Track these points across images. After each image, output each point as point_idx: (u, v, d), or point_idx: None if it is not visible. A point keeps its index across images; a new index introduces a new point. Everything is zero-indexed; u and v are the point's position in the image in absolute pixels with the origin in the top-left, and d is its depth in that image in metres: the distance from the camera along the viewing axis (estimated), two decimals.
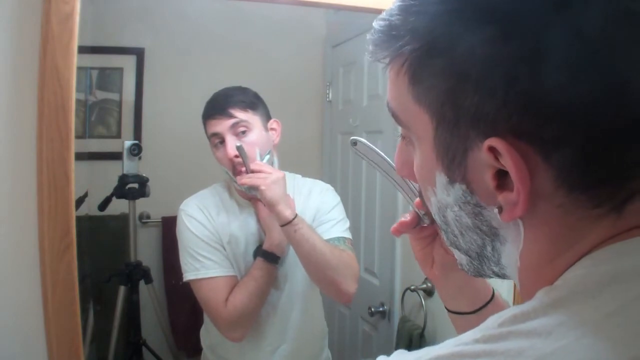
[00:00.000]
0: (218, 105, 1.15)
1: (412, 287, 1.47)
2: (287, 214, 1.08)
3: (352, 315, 1.85)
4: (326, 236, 1.19)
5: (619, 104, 0.31)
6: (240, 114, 1.14)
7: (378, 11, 0.41)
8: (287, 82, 1.88)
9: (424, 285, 1.46)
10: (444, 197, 0.39)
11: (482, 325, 0.34)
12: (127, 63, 1.87)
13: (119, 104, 1.88)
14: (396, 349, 1.62)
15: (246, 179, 1.09)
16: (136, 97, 1.89)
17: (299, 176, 1.31)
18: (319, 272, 1.12)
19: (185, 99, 1.78)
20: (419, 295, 1.45)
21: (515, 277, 0.39)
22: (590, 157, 0.32)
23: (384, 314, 1.66)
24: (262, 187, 1.07)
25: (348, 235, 1.24)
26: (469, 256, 0.42)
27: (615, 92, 0.31)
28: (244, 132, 1.14)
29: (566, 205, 0.34)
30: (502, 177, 0.34)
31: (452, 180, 0.38)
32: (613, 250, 0.33)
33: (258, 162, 1.12)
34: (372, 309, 1.65)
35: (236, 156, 1.11)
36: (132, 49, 1.86)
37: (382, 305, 1.67)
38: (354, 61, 1.85)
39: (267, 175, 1.09)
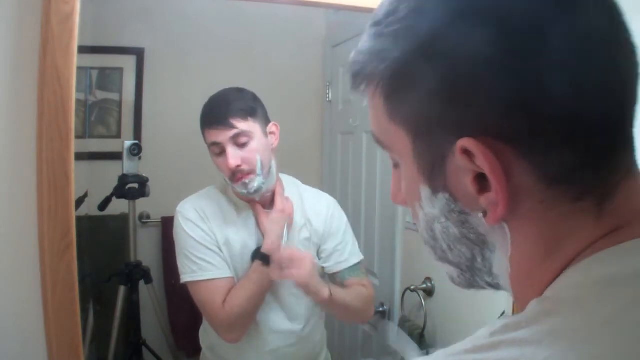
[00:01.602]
0: (218, 115, 1.12)
1: (412, 287, 1.47)
2: (324, 293, 1.12)
3: None
4: (344, 266, 1.25)
5: (583, 98, 0.32)
6: (241, 124, 1.11)
7: None
8: (287, 82, 1.88)
9: (424, 285, 1.46)
10: (430, 209, 0.40)
11: (473, 336, 0.34)
12: (127, 63, 1.87)
13: (119, 104, 1.88)
14: None
15: (280, 274, 1.10)
16: (136, 97, 1.89)
17: (301, 183, 1.31)
18: (349, 318, 1.22)
19: (185, 99, 1.78)
20: (419, 295, 1.45)
21: (508, 285, 0.39)
22: (562, 148, 0.33)
23: (384, 314, 1.66)
24: (299, 279, 1.09)
25: (361, 256, 1.30)
26: (460, 269, 0.42)
27: (580, 89, 0.32)
28: (244, 143, 1.12)
29: (548, 201, 0.34)
30: (481, 181, 0.35)
31: (435, 191, 0.38)
32: (602, 258, 0.33)
33: (287, 250, 1.12)
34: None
35: (237, 166, 1.11)
36: (132, 49, 1.86)
37: (382, 305, 1.67)
38: None
39: (298, 262, 1.10)
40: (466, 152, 0.34)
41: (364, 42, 0.40)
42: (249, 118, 1.13)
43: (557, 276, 0.35)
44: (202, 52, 1.86)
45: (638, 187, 0.36)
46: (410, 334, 1.44)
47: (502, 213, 0.35)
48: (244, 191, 1.14)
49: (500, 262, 0.38)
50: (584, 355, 0.29)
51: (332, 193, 1.63)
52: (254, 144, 1.13)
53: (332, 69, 2.03)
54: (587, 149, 0.33)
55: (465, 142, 0.33)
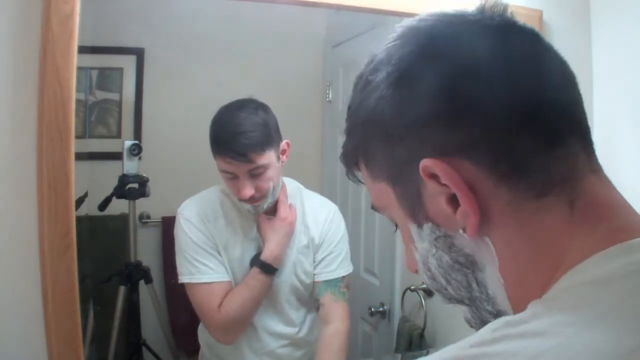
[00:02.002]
0: (235, 147, 1.07)
1: (412, 287, 1.47)
2: None
3: (352, 316, 1.85)
4: (327, 277, 1.22)
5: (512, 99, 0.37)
6: (258, 159, 1.08)
7: (378, 11, 0.44)
8: (287, 82, 1.87)
9: (424, 285, 1.46)
10: (421, 244, 0.43)
11: (477, 333, 0.35)
12: (127, 63, 1.87)
13: (119, 104, 1.88)
14: (396, 349, 1.63)
15: None
16: (136, 97, 1.88)
17: (304, 189, 1.30)
18: None
19: (185, 99, 1.78)
20: (419, 295, 1.45)
21: (507, 304, 0.40)
22: (506, 146, 0.37)
23: (384, 314, 1.66)
24: None
25: (350, 268, 1.26)
26: (466, 304, 0.44)
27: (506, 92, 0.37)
28: (260, 173, 1.10)
29: (513, 202, 0.37)
30: (454, 201, 0.38)
31: (420, 224, 0.42)
32: (596, 259, 0.34)
33: None
34: (372, 309, 1.65)
35: (251, 196, 1.09)
36: (132, 49, 1.86)
37: (382, 305, 1.67)
38: (354, 61, 1.85)
39: None
40: (432, 176, 0.38)
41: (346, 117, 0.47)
42: (266, 149, 1.10)
43: (552, 279, 0.36)
44: (202, 52, 1.86)
45: (603, 181, 0.39)
46: (410, 334, 1.44)
47: (475, 221, 0.37)
48: (252, 211, 1.15)
49: (492, 278, 0.40)
50: (590, 341, 0.30)
51: (332, 193, 1.63)
52: (269, 173, 1.11)
53: (332, 69, 2.03)
54: (530, 143, 0.37)
55: (425, 162, 0.38)
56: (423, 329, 1.41)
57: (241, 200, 1.13)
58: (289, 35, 1.83)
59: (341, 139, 1.66)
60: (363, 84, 0.43)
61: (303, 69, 2.02)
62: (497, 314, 0.42)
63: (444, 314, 1.40)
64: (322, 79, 2.07)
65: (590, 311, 0.31)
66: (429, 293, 1.45)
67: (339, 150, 1.71)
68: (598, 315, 0.31)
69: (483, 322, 0.44)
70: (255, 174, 1.10)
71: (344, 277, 1.24)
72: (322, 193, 1.36)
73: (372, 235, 1.75)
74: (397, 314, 1.61)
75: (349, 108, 0.45)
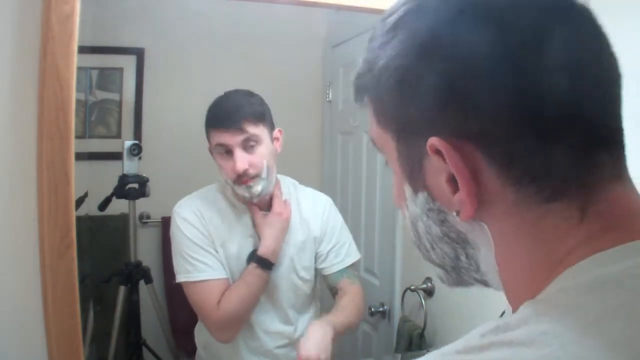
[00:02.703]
0: (229, 117, 1.11)
1: (412, 287, 1.47)
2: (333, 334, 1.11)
3: None
4: (339, 267, 1.25)
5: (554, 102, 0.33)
6: (251, 129, 1.11)
7: (378, 11, 0.43)
8: (287, 82, 1.87)
9: (424, 285, 1.46)
10: (413, 208, 0.42)
11: (465, 337, 0.34)
12: (127, 63, 1.87)
13: (119, 104, 1.88)
14: (396, 349, 1.62)
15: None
16: (136, 97, 1.88)
17: (298, 184, 1.31)
18: (353, 332, 1.20)
19: (185, 98, 1.78)
20: (419, 295, 1.45)
21: (498, 283, 0.40)
22: (526, 148, 0.34)
23: (384, 314, 1.66)
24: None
25: (358, 254, 1.30)
26: (445, 269, 0.43)
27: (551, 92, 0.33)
28: (253, 146, 1.12)
29: (520, 202, 0.35)
30: (455, 181, 0.36)
31: (415, 190, 0.40)
32: (594, 260, 0.33)
33: (307, 350, 1.05)
34: (372, 309, 1.65)
35: (245, 170, 1.10)
36: (132, 49, 1.86)
37: (382, 305, 1.67)
38: (354, 61, 1.85)
39: (316, 344, 1.06)
40: (438, 152, 0.36)
41: (366, 52, 0.42)
42: (259, 123, 1.13)
43: (548, 278, 0.35)
44: (202, 52, 1.86)
45: (627, 192, 0.36)
46: (410, 334, 1.44)
47: (469, 212, 0.36)
48: (247, 194, 1.14)
49: (487, 260, 0.39)
50: (578, 355, 0.29)
51: (332, 193, 1.63)
52: (262, 149, 1.13)
53: (332, 69, 2.03)
54: (550, 148, 0.34)
55: (434, 141, 0.35)
56: (423, 329, 1.41)
57: (236, 181, 1.13)
58: (289, 35, 1.83)
59: (341, 138, 1.67)
60: (392, 26, 0.39)
61: (303, 69, 2.02)
62: (484, 284, 0.42)
63: (444, 314, 1.40)
64: (322, 79, 2.08)
65: (580, 321, 0.30)
66: (429, 293, 1.46)
67: (339, 150, 1.73)
68: (587, 325, 0.30)
69: (458, 284, 0.44)
70: (249, 146, 1.12)
71: (354, 263, 1.28)
72: (322, 192, 1.36)
73: (372, 235, 1.76)
74: (397, 314, 1.61)
75: (382, 27, 0.40)
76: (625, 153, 0.37)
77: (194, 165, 1.49)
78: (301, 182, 1.33)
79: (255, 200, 1.17)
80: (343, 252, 1.28)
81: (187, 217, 1.17)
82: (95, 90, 1.85)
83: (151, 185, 1.58)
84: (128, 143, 1.55)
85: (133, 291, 1.58)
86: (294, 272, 1.23)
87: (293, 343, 1.24)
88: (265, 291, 1.18)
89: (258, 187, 1.13)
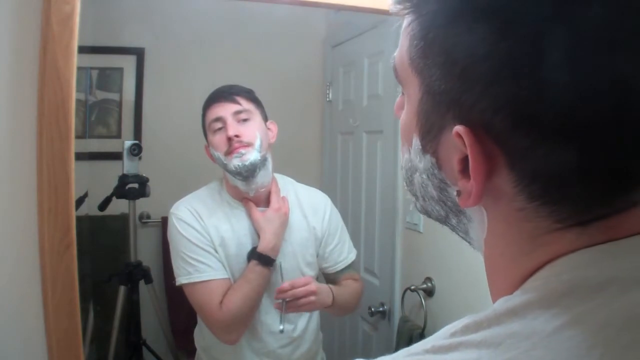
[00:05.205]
0: (223, 92, 1.18)
1: (412, 287, 1.47)
2: (329, 302, 1.18)
3: (352, 315, 1.85)
4: (343, 265, 1.29)
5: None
6: (244, 103, 1.17)
7: (378, 11, 0.42)
8: (287, 82, 1.88)
9: (424, 285, 1.46)
10: (415, 160, 0.40)
11: (435, 335, 0.34)
12: (127, 63, 1.87)
13: (119, 104, 1.88)
14: (396, 349, 1.63)
15: (296, 309, 1.15)
16: (136, 97, 1.89)
17: (295, 182, 1.32)
18: (343, 314, 1.29)
19: (185, 98, 1.78)
20: (419, 295, 1.45)
21: (480, 250, 0.39)
22: (549, 171, 0.31)
23: (384, 314, 1.66)
24: (315, 307, 1.13)
25: (355, 250, 1.35)
26: (431, 218, 0.42)
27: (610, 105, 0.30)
28: (245, 119, 1.16)
29: (528, 212, 0.33)
30: (466, 165, 0.34)
31: (424, 150, 0.38)
32: (573, 261, 0.32)
33: (286, 282, 1.14)
34: (372, 309, 1.65)
35: (236, 135, 1.13)
36: (132, 49, 1.86)
37: (382, 305, 1.67)
38: (354, 61, 1.85)
39: (307, 290, 1.14)
40: (460, 138, 0.33)
41: None
42: (252, 102, 1.19)
43: (528, 276, 0.34)
44: (202, 52, 1.87)
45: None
46: (410, 334, 1.44)
47: (471, 204, 0.35)
48: (239, 164, 1.12)
49: (477, 233, 0.38)
50: None
51: (332, 193, 1.63)
52: (254, 123, 1.17)
53: (332, 69, 2.03)
54: (581, 183, 0.31)
55: (461, 130, 0.33)
56: (423, 329, 1.41)
57: (228, 153, 1.14)
58: (289, 35, 1.83)
59: (341, 138, 1.67)
60: None
61: (303, 69, 2.02)
62: (469, 241, 0.41)
63: (444, 314, 1.40)
64: (322, 79, 2.08)
65: (549, 324, 0.30)
66: (429, 293, 1.46)
67: (339, 150, 1.73)
68: (557, 328, 0.29)
69: (437, 220, 0.42)
70: (241, 119, 1.16)
71: (354, 260, 1.33)
72: (322, 192, 1.36)
73: (372, 235, 1.76)
74: (397, 314, 1.61)
75: None
76: None
77: (194, 165, 1.49)
78: (301, 181, 1.33)
79: (251, 194, 1.17)
80: (345, 251, 1.30)
81: (184, 217, 1.16)
82: (95, 90, 1.85)
83: (151, 185, 1.58)
84: (128, 143, 1.55)
85: (133, 291, 1.58)
86: (297, 270, 1.22)
87: (293, 342, 1.24)
88: (267, 291, 1.18)
89: (249, 156, 1.13)
